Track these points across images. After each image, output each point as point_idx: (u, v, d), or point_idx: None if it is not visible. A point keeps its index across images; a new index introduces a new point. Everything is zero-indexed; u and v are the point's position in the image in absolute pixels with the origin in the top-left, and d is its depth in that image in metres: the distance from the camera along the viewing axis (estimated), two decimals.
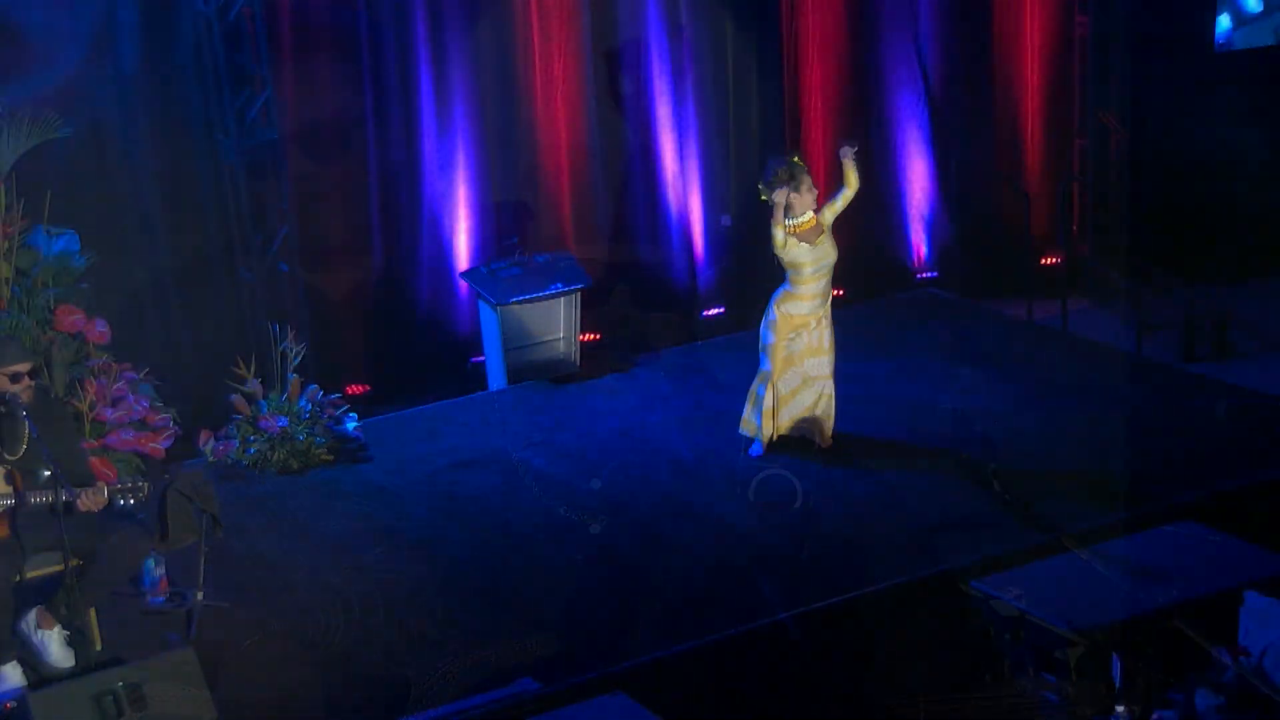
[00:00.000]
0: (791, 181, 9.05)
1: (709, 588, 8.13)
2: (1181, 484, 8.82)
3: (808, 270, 9.12)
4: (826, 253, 9.14)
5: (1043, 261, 12.94)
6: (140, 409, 9.39)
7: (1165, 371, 10.67)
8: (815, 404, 9.34)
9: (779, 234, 9.03)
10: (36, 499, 7.27)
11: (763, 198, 9.17)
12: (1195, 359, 12.01)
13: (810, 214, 9.11)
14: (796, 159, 9.26)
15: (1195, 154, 13.08)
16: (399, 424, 10.34)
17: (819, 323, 9.24)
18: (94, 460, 8.55)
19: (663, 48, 11.84)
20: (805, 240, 9.10)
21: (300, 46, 10.88)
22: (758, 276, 9.17)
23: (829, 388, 9.34)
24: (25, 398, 7.40)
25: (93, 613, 7.62)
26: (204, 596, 7.94)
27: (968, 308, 11.86)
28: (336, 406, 10.02)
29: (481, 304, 10.97)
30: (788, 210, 9.03)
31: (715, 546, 8.57)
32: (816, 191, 9.16)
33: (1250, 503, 8.65)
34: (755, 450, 9.34)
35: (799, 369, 9.26)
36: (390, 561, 8.59)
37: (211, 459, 9.71)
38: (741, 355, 9.52)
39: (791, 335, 9.20)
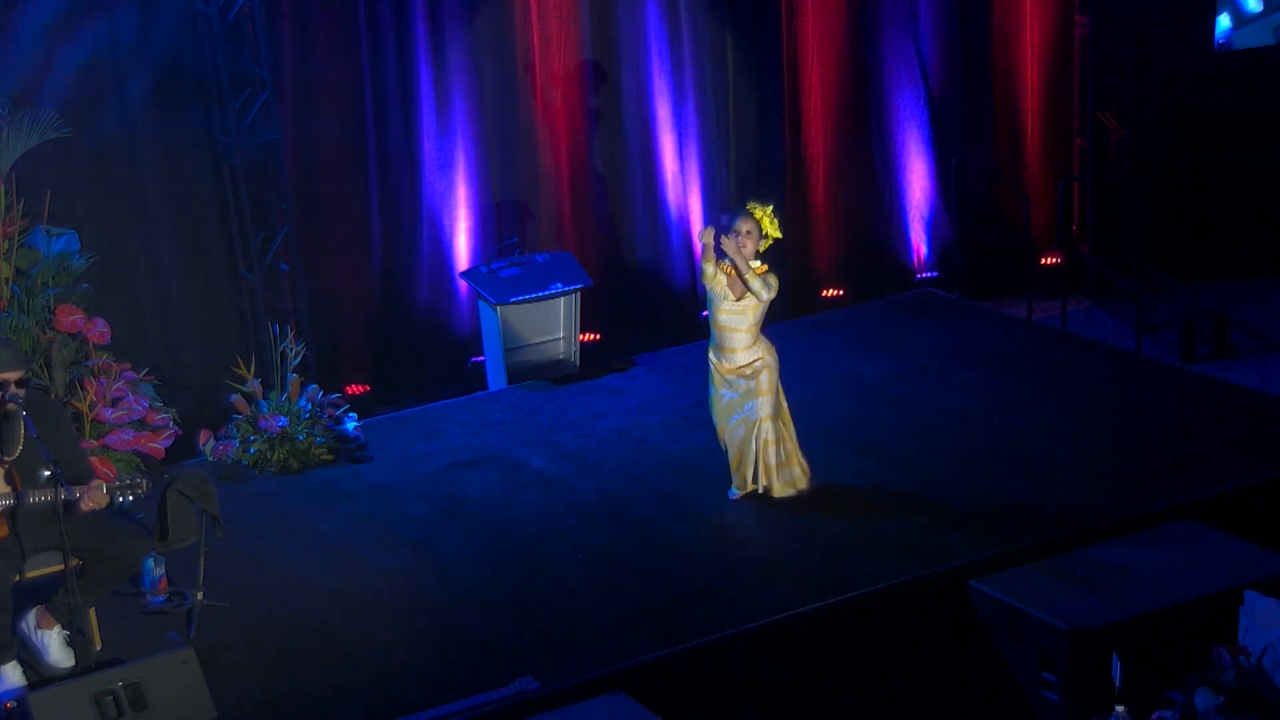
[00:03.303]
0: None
1: (709, 588, 8.13)
2: (1181, 484, 8.81)
3: (720, 317, 8.75)
4: (740, 311, 8.70)
5: (1043, 261, 12.94)
6: (140, 409, 9.40)
7: (1165, 371, 10.67)
8: (756, 450, 8.76)
9: (709, 268, 8.66)
10: (36, 499, 7.27)
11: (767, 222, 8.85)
12: (1195, 359, 12.01)
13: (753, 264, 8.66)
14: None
15: (1195, 154, 13.09)
16: (399, 424, 10.33)
17: (755, 373, 8.74)
18: (94, 460, 8.55)
19: (663, 48, 11.84)
20: (731, 287, 8.71)
21: (300, 46, 10.89)
22: None
23: (769, 432, 8.75)
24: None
25: (93, 613, 7.62)
26: (204, 596, 7.94)
27: (968, 308, 11.86)
28: (336, 406, 10.02)
29: (481, 304, 10.97)
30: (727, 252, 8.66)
31: (715, 546, 8.57)
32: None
33: (1250, 503, 8.65)
34: (731, 494, 8.99)
35: (741, 415, 8.80)
36: (391, 561, 8.59)
37: (211, 459, 9.71)
38: None
39: (728, 382, 8.78)
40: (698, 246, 12.21)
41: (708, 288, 8.79)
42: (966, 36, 12.77)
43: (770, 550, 8.49)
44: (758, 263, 8.72)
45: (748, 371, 8.79)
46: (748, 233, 8.70)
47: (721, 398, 8.84)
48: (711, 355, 8.87)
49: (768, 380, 8.78)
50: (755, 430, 8.76)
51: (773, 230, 8.80)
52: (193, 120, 10.54)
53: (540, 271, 10.95)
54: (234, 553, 8.51)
